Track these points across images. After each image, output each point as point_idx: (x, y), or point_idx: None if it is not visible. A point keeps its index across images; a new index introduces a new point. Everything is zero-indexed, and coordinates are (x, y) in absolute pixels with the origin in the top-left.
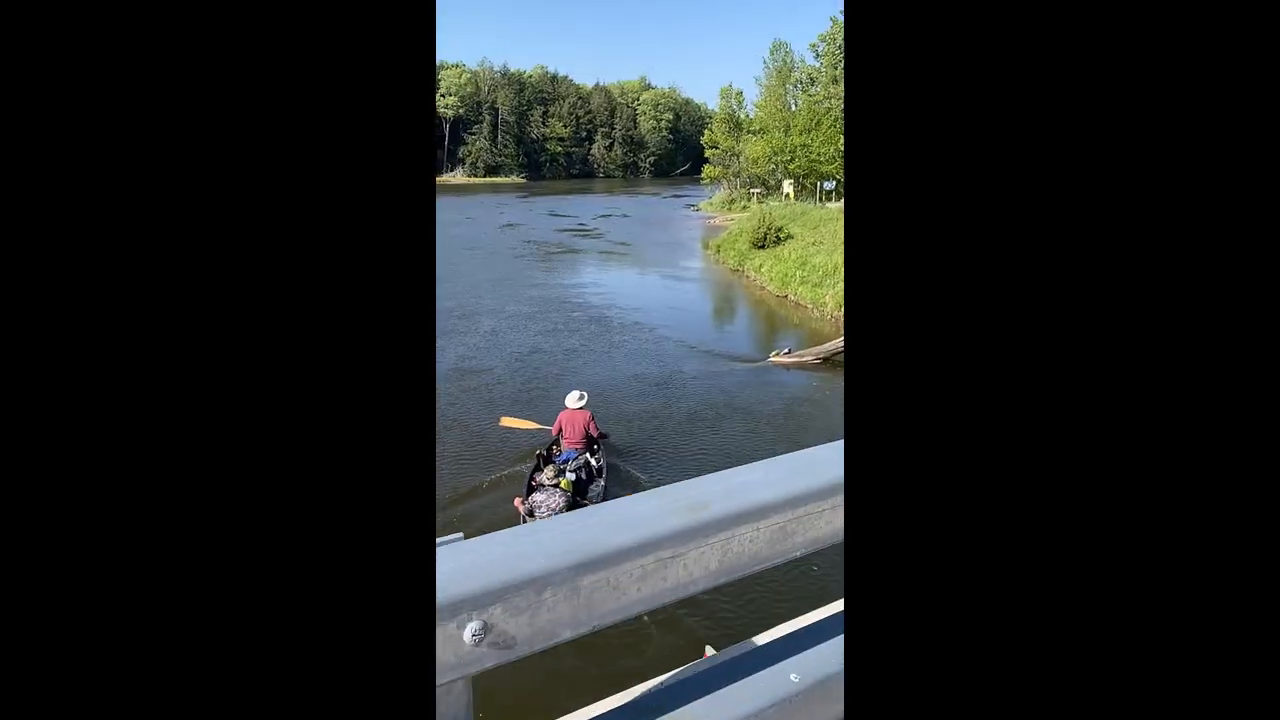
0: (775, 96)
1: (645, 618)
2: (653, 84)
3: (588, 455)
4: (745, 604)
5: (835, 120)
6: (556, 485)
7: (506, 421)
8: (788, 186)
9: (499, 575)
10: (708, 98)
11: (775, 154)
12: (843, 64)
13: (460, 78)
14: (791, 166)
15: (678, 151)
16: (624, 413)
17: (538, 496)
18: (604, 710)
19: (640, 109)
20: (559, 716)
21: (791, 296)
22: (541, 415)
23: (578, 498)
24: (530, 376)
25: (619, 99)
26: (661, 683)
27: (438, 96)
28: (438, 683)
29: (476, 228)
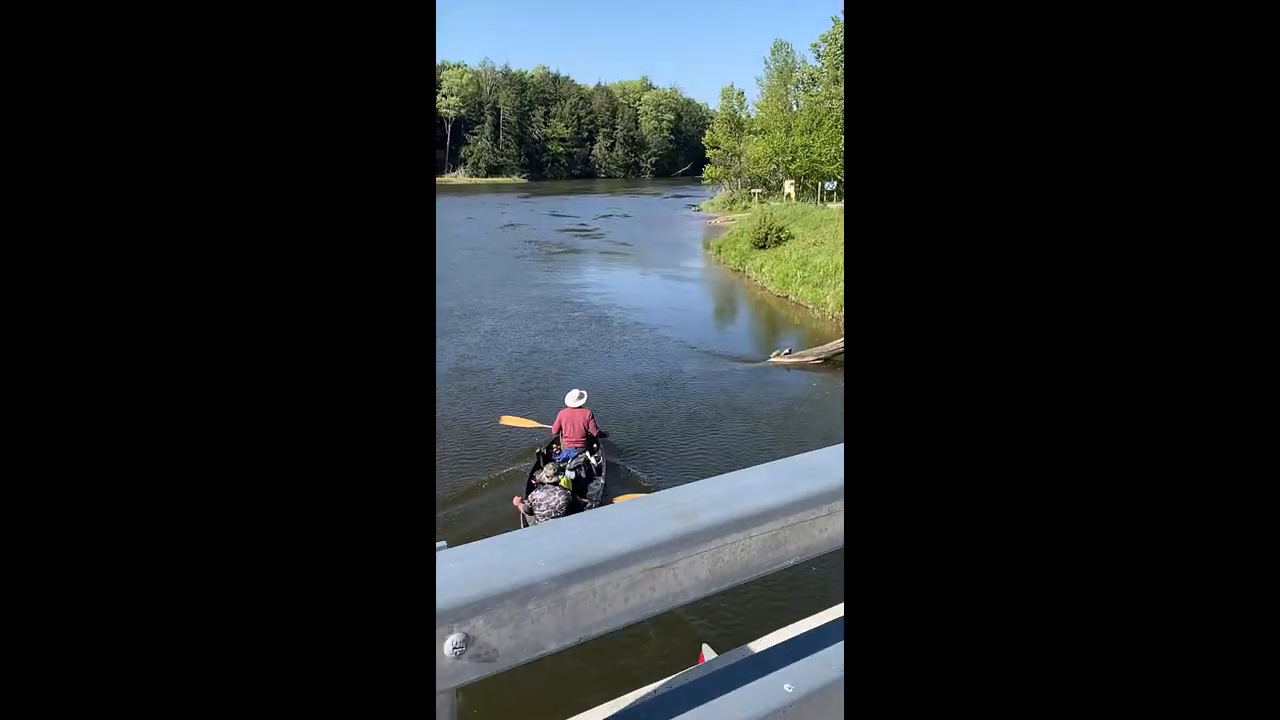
0: (777, 97)
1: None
2: (654, 84)
3: (587, 454)
4: (744, 602)
5: (836, 121)
6: (556, 483)
7: (507, 420)
8: (789, 187)
9: (481, 586)
10: (709, 98)
11: (776, 154)
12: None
13: (462, 78)
14: (793, 167)
15: (679, 152)
16: (624, 413)
17: (537, 495)
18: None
19: (642, 109)
20: None
21: (792, 297)
22: (542, 415)
23: (577, 496)
24: (531, 376)
25: (620, 99)
26: (655, 691)
27: (440, 97)
28: None
29: (478, 228)
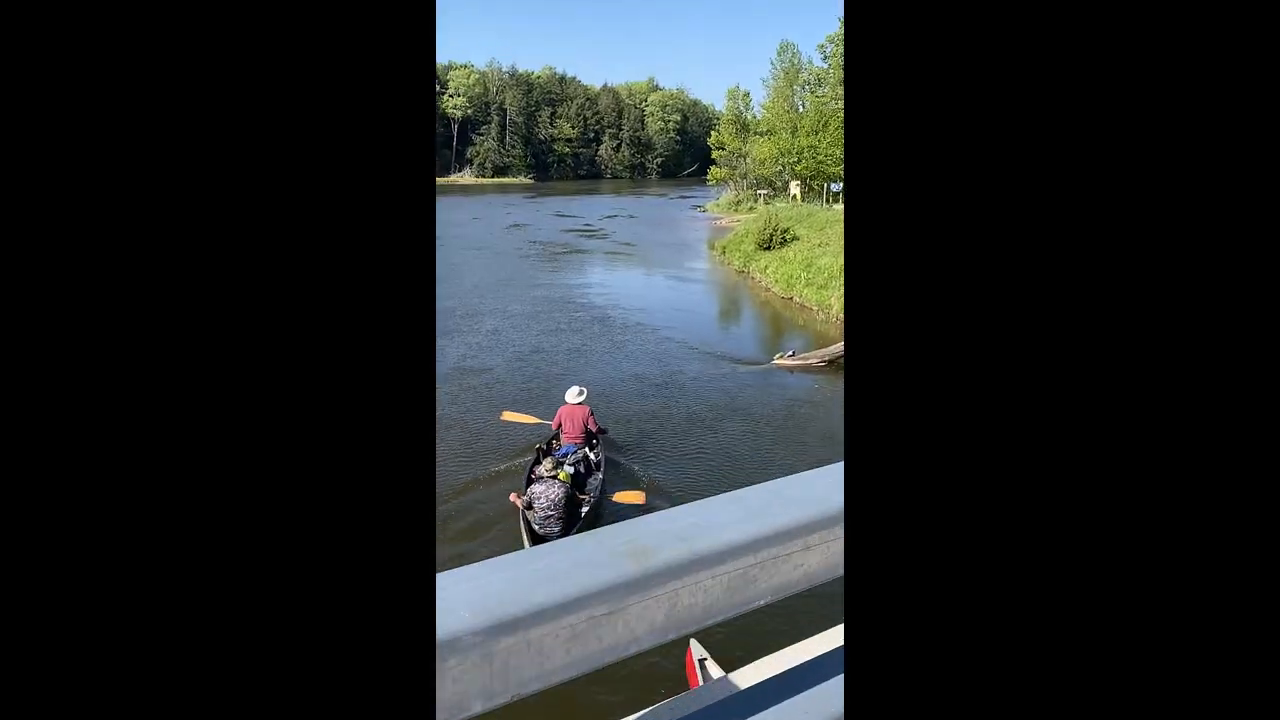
0: (782, 98)
1: None
2: (660, 85)
3: (586, 450)
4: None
5: (842, 122)
6: (555, 477)
7: (507, 416)
8: (794, 188)
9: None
10: (715, 99)
11: (782, 155)
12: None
13: (468, 78)
14: (798, 168)
15: (685, 153)
16: (625, 413)
17: (536, 488)
18: None
19: (648, 110)
20: None
21: (797, 298)
22: (542, 414)
23: (576, 491)
24: (532, 376)
25: (626, 100)
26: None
27: (446, 97)
28: None
29: (483, 228)
